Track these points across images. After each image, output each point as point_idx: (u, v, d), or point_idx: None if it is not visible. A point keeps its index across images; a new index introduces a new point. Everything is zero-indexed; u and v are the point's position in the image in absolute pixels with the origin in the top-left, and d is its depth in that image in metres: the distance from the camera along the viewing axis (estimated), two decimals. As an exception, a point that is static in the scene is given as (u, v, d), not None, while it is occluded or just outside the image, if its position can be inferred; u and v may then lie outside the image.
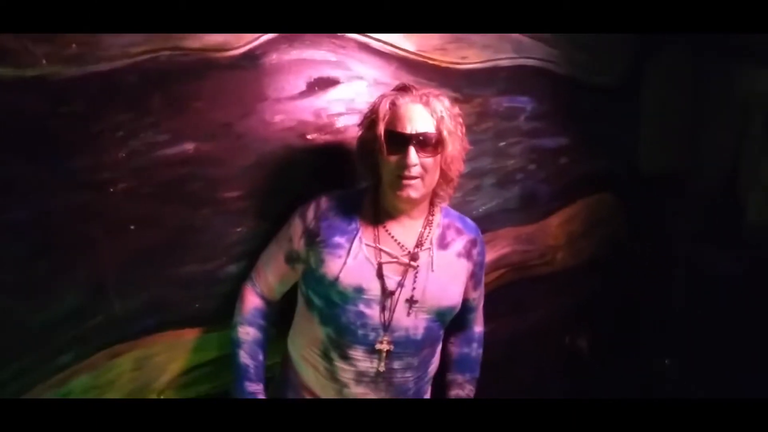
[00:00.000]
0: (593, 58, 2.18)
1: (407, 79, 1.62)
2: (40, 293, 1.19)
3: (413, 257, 1.33)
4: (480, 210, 1.92)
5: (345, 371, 1.31)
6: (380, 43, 1.56)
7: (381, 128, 1.26)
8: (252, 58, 1.36)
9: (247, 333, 1.37)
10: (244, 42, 1.34)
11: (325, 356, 1.32)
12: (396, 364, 1.32)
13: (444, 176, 1.32)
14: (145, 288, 1.32)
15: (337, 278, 1.27)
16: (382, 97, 1.30)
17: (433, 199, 1.38)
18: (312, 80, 1.46)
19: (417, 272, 1.32)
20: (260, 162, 1.42)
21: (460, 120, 1.33)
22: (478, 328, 1.60)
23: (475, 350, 1.58)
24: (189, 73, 1.28)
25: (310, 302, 1.34)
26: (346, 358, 1.30)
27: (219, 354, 1.46)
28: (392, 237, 1.33)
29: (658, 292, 2.66)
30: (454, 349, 1.56)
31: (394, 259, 1.32)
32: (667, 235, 2.64)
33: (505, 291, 2.05)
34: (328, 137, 1.50)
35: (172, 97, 1.27)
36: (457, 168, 1.33)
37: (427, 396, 1.48)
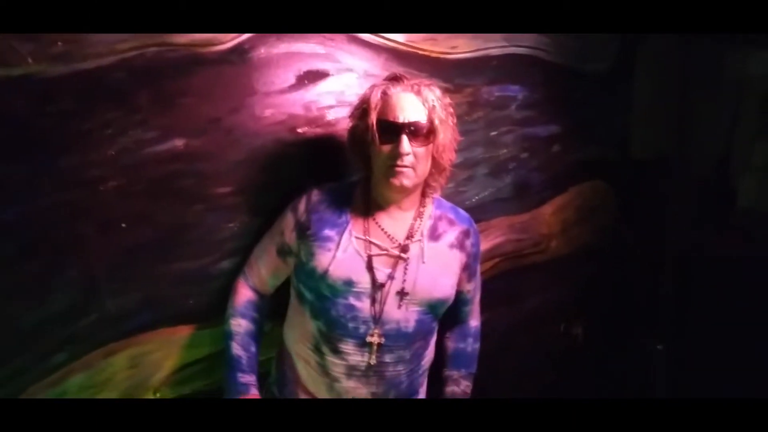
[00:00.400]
0: (583, 44, 2.17)
1: (397, 70, 1.61)
2: (32, 293, 1.19)
3: (403, 249, 1.32)
4: (473, 200, 1.92)
5: (336, 365, 1.31)
6: (369, 35, 1.55)
7: (373, 118, 1.26)
8: (240, 52, 1.35)
9: (239, 325, 1.38)
10: (232, 36, 1.33)
11: (317, 350, 1.32)
12: (387, 358, 1.32)
13: (436, 165, 1.32)
14: (138, 285, 1.32)
15: (326, 271, 1.27)
16: (374, 86, 1.30)
17: (424, 189, 1.38)
18: (301, 73, 1.45)
19: (407, 264, 1.32)
20: (251, 157, 1.41)
21: (452, 110, 1.33)
22: (474, 323, 1.59)
23: (471, 345, 1.57)
24: (177, 69, 1.28)
25: (302, 296, 1.34)
26: (337, 351, 1.30)
27: (214, 350, 1.46)
28: (382, 229, 1.33)
29: (651, 278, 2.67)
30: (450, 344, 1.56)
31: (384, 252, 1.32)
32: (660, 221, 2.65)
33: (499, 280, 2.05)
34: (318, 130, 1.49)
35: (160, 93, 1.26)
36: (449, 157, 1.34)
37: (423, 389, 1.48)
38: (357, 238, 1.31)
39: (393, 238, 1.33)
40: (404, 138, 1.23)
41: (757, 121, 2.48)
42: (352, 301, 1.29)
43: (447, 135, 1.29)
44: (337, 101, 1.51)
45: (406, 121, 1.24)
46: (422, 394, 1.49)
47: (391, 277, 1.30)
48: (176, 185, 1.32)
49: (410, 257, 1.33)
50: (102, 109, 1.20)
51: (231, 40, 1.33)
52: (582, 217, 2.35)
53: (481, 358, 1.61)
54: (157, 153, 1.28)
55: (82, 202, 1.21)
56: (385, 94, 1.27)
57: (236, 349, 1.36)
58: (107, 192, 1.23)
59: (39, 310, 1.20)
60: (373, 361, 1.30)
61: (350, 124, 1.35)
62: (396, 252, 1.32)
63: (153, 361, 1.38)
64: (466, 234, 1.43)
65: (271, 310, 1.47)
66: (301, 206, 1.35)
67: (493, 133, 1.93)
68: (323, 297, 1.29)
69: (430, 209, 1.40)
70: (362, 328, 1.29)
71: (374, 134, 1.25)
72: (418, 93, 1.27)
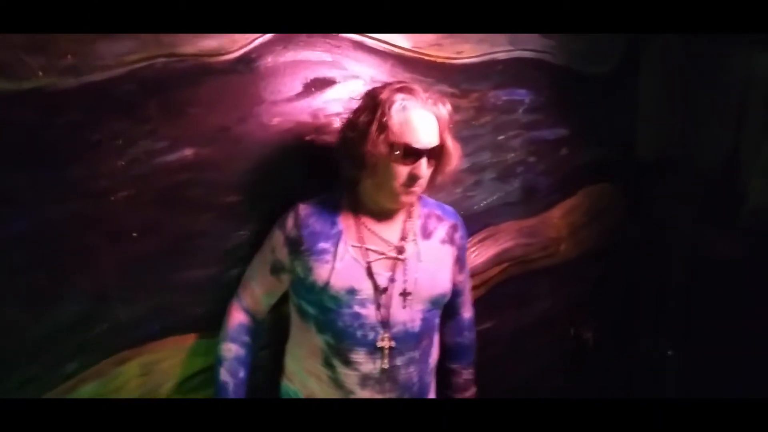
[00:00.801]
0: (589, 47, 2.17)
1: (403, 76, 1.62)
2: (43, 303, 1.20)
3: (400, 250, 1.34)
4: (481, 204, 1.92)
5: (348, 376, 1.31)
6: (375, 41, 1.55)
7: (395, 138, 1.22)
8: (247, 61, 1.36)
9: (229, 350, 1.37)
10: (239, 46, 1.34)
11: (327, 364, 1.32)
12: (399, 360, 1.32)
13: (438, 179, 1.34)
14: (148, 294, 1.33)
15: (327, 283, 1.27)
16: (387, 97, 1.24)
17: None
18: (308, 81, 1.46)
19: (406, 265, 1.33)
20: (260, 165, 1.42)
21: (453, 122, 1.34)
22: (467, 314, 1.61)
23: (468, 338, 1.60)
24: (185, 79, 1.28)
25: (304, 312, 1.34)
26: (348, 362, 1.30)
27: (225, 357, 1.46)
28: (376, 234, 1.34)
29: (660, 280, 2.66)
30: (447, 339, 1.57)
31: (382, 256, 1.32)
32: (668, 222, 2.63)
33: (508, 285, 2.05)
34: (326, 138, 1.50)
35: (169, 103, 1.27)
36: (454, 174, 1.36)
37: (432, 389, 1.49)
38: (353, 246, 1.31)
39: (387, 241, 1.34)
40: (424, 162, 1.24)
41: (764, 120, 2.46)
42: (357, 309, 1.29)
43: (457, 155, 1.31)
44: (345, 108, 1.51)
45: (427, 146, 1.24)
46: (432, 395, 1.49)
47: (392, 279, 1.31)
48: (186, 194, 1.33)
49: (407, 257, 1.34)
50: (111, 120, 1.21)
51: (238, 50, 1.34)
52: (590, 220, 2.35)
53: (491, 362, 1.62)
54: (166, 163, 1.29)
55: (93, 212, 1.22)
56: (405, 109, 1.23)
57: (224, 375, 1.35)
58: (117, 202, 1.24)
59: (50, 319, 1.21)
60: (386, 365, 1.30)
61: (355, 131, 1.27)
62: (393, 254, 1.33)
63: (164, 369, 1.39)
64: (454, 228, 1.46)
65: (266, 333, 1.47)
66: (290, 222, 1.34)
67: (501, 138, 1.93)
68: (327, 310, 1.29)
69: (418, 209, 1.42)
70: (371, 335, 1.30)
71: (399, 156, 1.23)
72: (436, 112, 1.25)
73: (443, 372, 1.57)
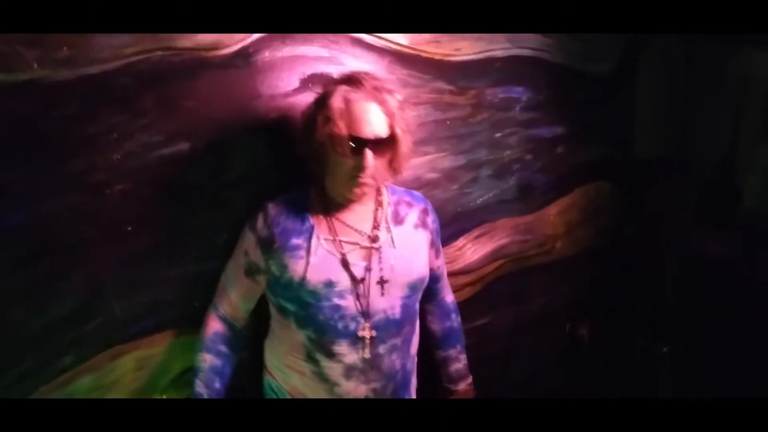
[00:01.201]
0: (587, 46, 2.17)
1: (401, 73, 1.62)
2: (38, 296, 1.20)
3: (373, 239, 1.34)
4: (477, 201, 1.92)
5: (333, 369, 1.31)
6: (373, 38, 1.55)
7: (337, 129, 1.22)
8: (245, 56, 1.36)
9: (204, 360, 1.35)
10: (237, 40, 1.34)
11: (310, 359, 1.32)
12: (381, 349, 1.33)
13: (391, 168, 1.34)
14: (143, 289, 1.33)
15: (303, 278, 1.27)
16: (333, 90, 1.26)
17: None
18: (305, 77, 1.46)
19: (380, 253, 1.34)
20: (256, 160, 1.42)
21: (408, 112, 1.34)
22: (449, 297, 1.62)
23: (455, 321, 1.61)
24: (182, 73, 1.28)
25: (284, 310, 1.34)
26: (331, 355, 1.30)
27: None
28: (348, 225, 1.34)
29: (656, 279, 2.66)
30: (437, 326, 1.58)
31: (356, 246, 1.33)
32: (665, 222, 2.64)
33: (504, 282, 2.05)
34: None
35: (165, 97, 1.27)
36: (407, 162, 1.35)
37: (414, 376, 1.49)
38: (326, 239, 1.32)
39: (360, 231, 1.35)
40: (368, 152, 1.23)
41: (761, 122, 2.47)
42: (336, 301, 1.29)
43: (407, 144, 1.30)
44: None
45: (371, 136, 1.23)
46: (414, 383, 1.50)
47: (368, 269, 1.32)
48: (182, 189, 1.33)
49: (381, 245, 1.34)
50: (107, 114, 1.21)
51: (235, 44, 1.34)
52: (586, 218, 2.35)
53: (486, 359, 1.62)
54: (162, 157, 1.29)
55: (88, 206, 1.22)
56: (347, 101, 1.24)
57: (199, 386, 1.33)
58: (113, 196, 1.24)
59: (46, 313, 1.21)
60: (367, 355, 1.31)
61: (307, 126, 1.29)
62: (367, 243, 1.34)
63: (159, 364, 1.39)
64: (425, 212, 1.47)
65: (246, 339, 1.46)
66: (259, 223, 1.33)
67: (498, 135, 1.93)
68: (307, 305, 1.29)
69: (386, 196, 1.42)
70: (352, 325, 1.30)
71: (342, 147, 1.23)
72: (381, 102, 1.24)
73: (438, 363, 1.58)
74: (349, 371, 1.32)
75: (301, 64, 1.45)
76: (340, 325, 1.29)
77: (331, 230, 1.33)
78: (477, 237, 1.95)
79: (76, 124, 1.18)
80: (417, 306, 1.44)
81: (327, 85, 1.31)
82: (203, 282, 1.41)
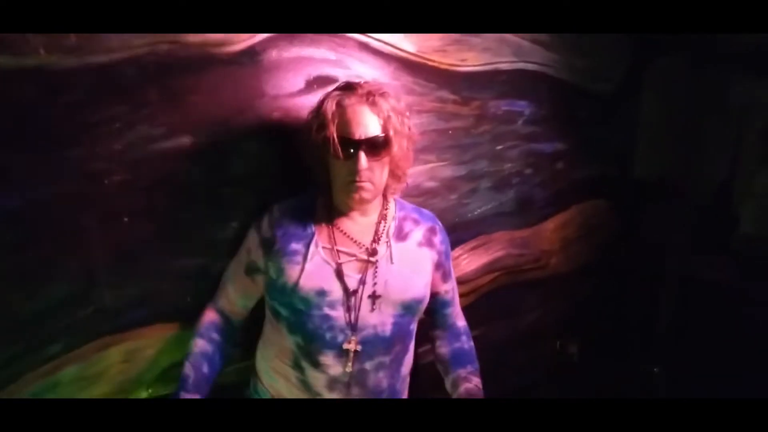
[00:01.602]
0: (592, 63, 2.18)
1: (406, 80, 1.63)
2: (30, 282, 1.19)
3: (371, 252, 1.32)
4: (475, 213, 1.93)
5: (317, 378, 1.29)
6: (380, 43, 1.56)
7: (331, 131, 1.23)
8: (252, 54, 1.36)
9: (196, 345, 1.36)
10: (245, 38, 1.34)
11: (296, 365, 1.31)
12: (367, 365, 1.30)
13: (392, 174, 1.33)
14: (136, 280, 1.32)
15: (296, 284, 1.26)
16: (327, 96, 1.28)
17: (384, 192, 1.38)
18: (311, 78, 1.46)
19: (377, 267, 1.31)
20: (256, 158, 1.42)
21: (407, 114, 1.32)
22: (461, 322, 1.57)
23: (467, 342, 1.53)
24: (188, 67, 1.28)
25: (277, 313, 1.33)
26: (317, 365, 1.28)
27: (209, 349, 1.45)
28: (348, 236, 1.33)
29: (649, 299, 2.67)
30: (446, 349, 1.51)
31: (353, 258, 1.31)
32: (660, 243, 2.65)
33: (498, 294, 2.05)
34: (325, 135, 1.49)
35: (169, 90, 1.27)
36: (406, 166, 1.34)
37: (404, 397, 1.46)
38: (323, 247, 1.30)
39: (359, 243, 1.33)
40: (362, 155, 1.23)
41: (760, 147, 2.49)
42: (326, 311, 1.27)
43: (403, 145, 1.29)
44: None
45: (363, 137, 1.23)
46: None
47: (362, 282, 1.29)
48: (180, 182, 1.33)
49: (379, 260, 1.32)
50: (111, 103, 1.20)
51: (243, 42, 1.34)
52: (582, 236, 2.36)
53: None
54: (163, 149, 1.28)
55: (86, 194, 1.21)
56: (339, 105, 1.25)
57: (187, 368, 1.33)
58: (111, 185, 1.24)
59: (37, 299, 1.20)
60: (349, 369, 1.28)
61: (306, 134, 1.31)
62: (364, 256, 1.32)
63: (147, 357, 1.38)
64: (432, 231, 1.43)
65: (241, 335, 1.45)
66: (264, 223, 1.34)
67: (499, 147, 1.94)
68: (298, 311, 1.28)
69: (392, 211, 1.41)
70: (340, 337, 1.27)
71: (334, 149, 1.23)
72: (373, 104, 1.24)
73: (450, 386, 1.46)
74: (333, 383, 1.30)
75: (306, 66, 1.45)
76: (328, 335, 1.27)
77: (331, 239, 1.32)
78: (473, 248, 1.96)
79: (79, 112, 1.17)
80: (412, 327, 1.40)
81: (324, 95, 1.31)
82: (196, 277, 1.40)
